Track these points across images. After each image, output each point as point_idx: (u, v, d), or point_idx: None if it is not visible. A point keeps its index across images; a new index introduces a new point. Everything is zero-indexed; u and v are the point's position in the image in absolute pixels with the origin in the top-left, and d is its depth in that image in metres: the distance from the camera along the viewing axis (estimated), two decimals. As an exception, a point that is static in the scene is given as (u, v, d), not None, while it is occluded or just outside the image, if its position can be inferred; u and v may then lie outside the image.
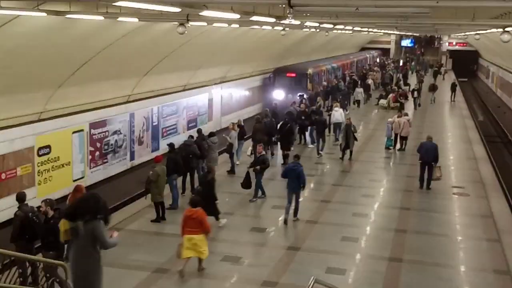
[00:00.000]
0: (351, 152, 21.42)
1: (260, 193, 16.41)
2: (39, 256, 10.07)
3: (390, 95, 34.59)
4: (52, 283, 9.72)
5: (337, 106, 25.92)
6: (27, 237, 10.16)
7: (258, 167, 15.99)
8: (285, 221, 14.46)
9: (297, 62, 39.22)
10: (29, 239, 10.21)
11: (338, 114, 24.73)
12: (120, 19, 14.34)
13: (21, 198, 10.79)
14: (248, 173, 16.24)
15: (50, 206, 10.16)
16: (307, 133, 24.04)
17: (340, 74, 44.36)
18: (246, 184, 16.19)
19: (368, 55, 63.74)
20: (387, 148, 23.36)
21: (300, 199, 14.94)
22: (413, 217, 15.57)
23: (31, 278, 9.89)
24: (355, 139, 21.49)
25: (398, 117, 23.50)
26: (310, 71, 35.44)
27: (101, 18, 13.55)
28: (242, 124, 21.34)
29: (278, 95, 32.96)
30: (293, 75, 34.50)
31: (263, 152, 16.68)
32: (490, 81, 56.91)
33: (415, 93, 35.94)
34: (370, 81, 41.25)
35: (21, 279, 9.47)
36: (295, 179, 14.41)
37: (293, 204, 14.64)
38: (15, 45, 13.28)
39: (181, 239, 11.28)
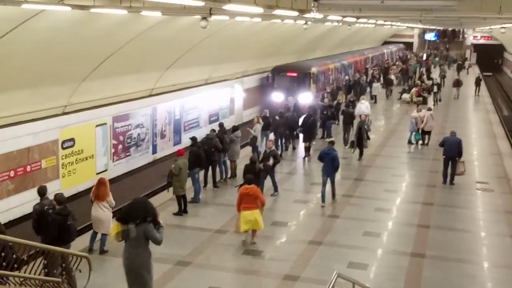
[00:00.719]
0: (361, 151, 20.47)
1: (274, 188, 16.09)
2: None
3: (413, 89, 34.29)
4: (74, 275, 9.86)
5: (363, 98, 26.53)
6: (44, 230, 10.27)
7: (270, 162, 15.64)
8: (323, 206, 15.34)
9: (310, 58, 36.77)
10: (48, 232, 10.32)
11: (364, 107, 25.12)
12: (143, 13, 14.40)
13: (41, 192, 10.84)
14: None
15: (57, 201, 10.23)
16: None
17: (351, 72, 40.81)
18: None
19: (385, 50, 59.89)
20: (410, 142, 23.19)
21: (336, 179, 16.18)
22: (436, 213, 15.42)
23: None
24: (368, 138, 20.75)
25: (417, 111, 23.39)
26: (313, 70, 31.59)
27: (124, 12, 13.61)
28: (267, 115, 21.47)
29: (277, 97, 29.35)
30: (294, 74, 30.60)
31: (273, 148, 16.44)
32: (516, 76, 56.04)
33: (435, 88, 34.97)
34: (392, 76, 39.46)
35: (45, 270, 9.59)
36: (329, 163, 15.42)
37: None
38: (40, 39, 13.41)
39: (238, 215, 12.42)
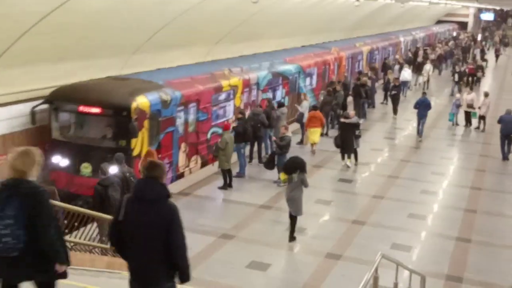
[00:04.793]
0: (353, 155, 17.04)
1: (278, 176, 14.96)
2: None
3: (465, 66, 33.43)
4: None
5: (406, 66, 29.73)
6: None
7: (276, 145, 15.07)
8: (420, 140, 20.63)
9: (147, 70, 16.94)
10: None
11: (406, 74, 28.98)
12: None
13: (118, 159, 11.19)
14: (272, 153, 15.44)
15: (101, 171, 10.46)
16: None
17: (308, 83, 22.87)
18: (268, 164, 15.16)
19: (400, 39, 39.24)
20: (456, 123, 23.14)
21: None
22: (484, 197, 15.13)
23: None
24: (358, 136, 16.90)
25: (467, 93, 23.36)
26: (139, 103, 13.01)
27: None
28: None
29: (57, 160, 12.78)
30: (97, 111, 12.98)
31: (287, 134, 15.31)
32: None
33: (456, 77, 30.34)
34: (428, 66, 32.63)
35: (100, 237, 9.87)
36: (424, 108, 20.65)
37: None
38: (95, 10, 13.55)
39: (306, 132, 18.36)
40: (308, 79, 22.93)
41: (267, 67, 19.79)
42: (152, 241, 4.95)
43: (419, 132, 20.74)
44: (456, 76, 30.83)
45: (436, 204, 14.57)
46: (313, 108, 18.54)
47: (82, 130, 13.60)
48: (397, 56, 35.83)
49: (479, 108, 22.31)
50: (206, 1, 16.49)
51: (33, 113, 12.82)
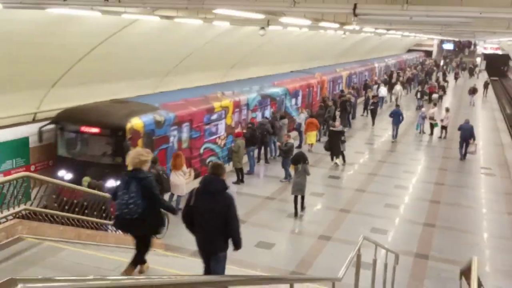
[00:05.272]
0: (341, 156, 17.06)
1: (285, 175, 15.02)
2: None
3: (426, 87, 33.07)
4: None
5: (382, 84, 29.44)
6: (161, 189, 10.59)
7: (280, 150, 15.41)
8: (393, 141, 20.87)
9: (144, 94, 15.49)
10: (160, 192, 10.58)
11: (383, 91, 29.25)
12: (214, 22, 14.37)
13: (153, 160, 11.11)
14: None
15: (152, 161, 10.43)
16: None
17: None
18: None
19: (375, 65, 37.21)
20: (423, 132, 22.91)
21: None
22: (446, 191, 14.98)
23: None
24: (343, 141, 16.95)
25: (432, 108, 23.26)
26: (131, 125, 11.71)
27: (200, 22, 13.63)
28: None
29: (62, 173, 11.84)
30: (96, 131, 11.83)
31: (290, 141, 15.44)
32: (518, 80, 53.13)
33: (419, 94, 29.70)
34: (398, 86, 30.98)
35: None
36: (397, 117, 21.00)
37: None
38: (135, 42, 13.62)
39: (305, 134, 18.29)
40: (293, 100, 21.41)
41: (257, 90, 18.36)
42: (214, 222, 5.44)
43: (394, 136, 21.04)
44: (419, 94, 30.84)
45: (407, 197, 14.45)
46: (310, 116, 19.11)
47: (83, 148, 12.38)
48: (375, 78, 35.69)
49: (442, 120, 22.14)
50: (220, 36, 16.53)
51: (40, 133, 11.85)
